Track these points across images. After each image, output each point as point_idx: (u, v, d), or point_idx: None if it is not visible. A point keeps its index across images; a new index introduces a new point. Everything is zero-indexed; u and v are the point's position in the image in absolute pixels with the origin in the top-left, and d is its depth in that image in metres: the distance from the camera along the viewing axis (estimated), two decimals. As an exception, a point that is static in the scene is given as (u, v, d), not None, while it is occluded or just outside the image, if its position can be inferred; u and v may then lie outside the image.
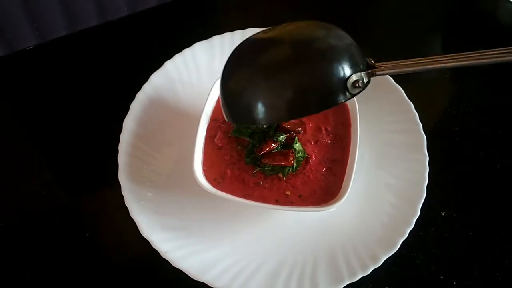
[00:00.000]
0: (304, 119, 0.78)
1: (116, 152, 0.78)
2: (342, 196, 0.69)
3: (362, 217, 0.76)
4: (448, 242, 0.78)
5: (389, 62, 0.58)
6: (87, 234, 0.77)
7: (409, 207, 0.75)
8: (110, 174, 0.77)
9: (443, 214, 0.80)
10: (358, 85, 0.56)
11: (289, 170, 0.73)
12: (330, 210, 0.69)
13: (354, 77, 0.55)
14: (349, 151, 0.75)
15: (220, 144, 0.76)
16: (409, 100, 0.85)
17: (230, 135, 0.76)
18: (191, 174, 0.70)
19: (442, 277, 0.74)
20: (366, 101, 0.78)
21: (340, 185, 0.72)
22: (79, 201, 0.81)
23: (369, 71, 0.57)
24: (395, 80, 0.87)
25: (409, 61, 0.57)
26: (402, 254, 0.73)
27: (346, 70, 0.55)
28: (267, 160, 0.73)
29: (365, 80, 0.57)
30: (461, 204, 0.82)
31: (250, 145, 0.75)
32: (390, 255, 0.70)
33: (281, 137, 0.74)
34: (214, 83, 0.78)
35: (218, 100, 0.79)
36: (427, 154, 0.79)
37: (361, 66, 0.57)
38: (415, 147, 0.80)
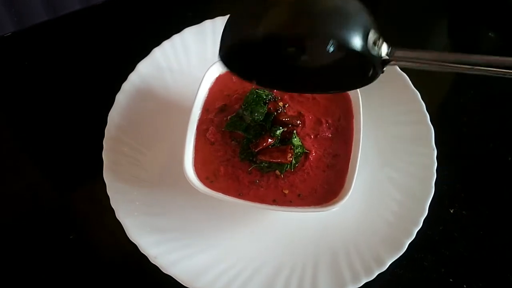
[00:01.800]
0: (303, 111, 0.72)
1: (100, 148, 0.73)
2: (344, 195, 0.65)
3: (366, 216, 0.71)
4: (458, 242, 0.73)
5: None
6: (71, 236, 0.72)
7: (416, 205, 0.70)
8: (94, 171, 0.72)
9: (451, 212, 0.76)
10: (377, 45, 0.47)
11: (287, 167, 0.68)
12: (331, 210, 0.64)
13: (373, 34, 0.46)
14: (351, 145, 0.70)
15: (212, 139, 0.71)
16: (415, 89, 0.79)
17: (223, 129, 0.71)
18: (182, 172, 0.66)
19: (451, 279, 0.70)
20: (369, 90, 0.70)
21: (342, 182, 0.68)
22: (61, 201, 0.76)
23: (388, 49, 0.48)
24: (400, 68, 0.81)
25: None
26: (409, 256, 0.68)
27: (367, 23, 0.46)
28: (264, 156, 0.68)
29: (385, 50, 0.48)
30: (470, 200, 0.77)
31: (245, 140, 0.70)
32: (396, 258, 0.66)
33: (278, 131, 0.69)
34: (206, 71, 0.73)
35: (210, 90, 0.74)
36: (435, 148, 0.74)
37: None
38: (422, 140, 0.75)
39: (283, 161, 0.67)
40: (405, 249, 0.67)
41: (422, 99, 0.78)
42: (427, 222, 0.69)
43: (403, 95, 0.80)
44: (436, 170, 0.72)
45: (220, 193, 0.66)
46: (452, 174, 0.78)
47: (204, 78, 0.73)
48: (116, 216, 0.68)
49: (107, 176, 0.70)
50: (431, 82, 0.87)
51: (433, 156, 0.74)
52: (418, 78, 0.80)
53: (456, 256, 0.72)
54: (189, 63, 0.83)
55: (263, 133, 0.69)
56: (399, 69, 0.81)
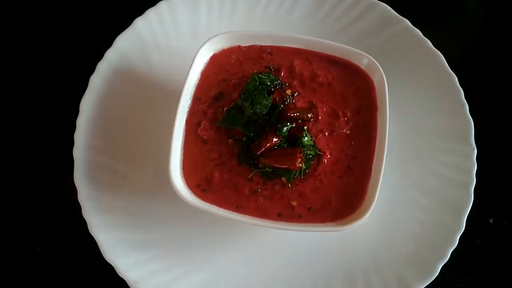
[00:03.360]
0: (317, 102, 0.63)
1: (71, 143, 0.64)
2: (366, 209, 0.59)
3: (390, 231, 0.66)
4: (498, 259, 0.67)
5: None
6: (38, 250, 0.65)
7: (451, 219, 0.64)
8: (64, 172, 0.65)
9: (491, 222, 0.69)
10: None
11: (295, 173, 0.59)
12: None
13: None
14: (375, 144, 0.63)
15: (205, 137, 0.63)
16: (451, 71, 0.69)
17: (218, 124, 0.62)
18: (168, 177, 0.58)
19: (489, 305, 0.65)
20: (396, 73, 0.66)
21: (362, 191, 0.61)
22: (26, 207, 0.69)
23: None
24: (434, 44, 0.70)
25: None
26: (439, 276, 0.62)
27: None
28: (267, 160, 0.60)
29: None
30: (514, 208, 0.69)
31: (244, 138, 0.61)
32: (426, 284, 0.59)
33: (285, 128, 0.60)
34: (198, 50, 0.64)
35: (202, 74, 0.66)
36: (475, 146, 0.65)
37: None
38: (459, 136, 0.68)
39: (291, 167, 0.58)
40: (437, 274, 0.60)
41: (460, 84, 0.68)
42: (462, 235, 0.63)
43: (436, 78, 0.71)
44: (476, 173, 0.64)
45: (214, 206, 0.60)
46: (493, 177, 0.70)
47: (195, 59, 0.64)
48: (89, 229, 0.61)
49: (79, 180, 0.64)
50: (471, 62, 0.77)
51: (472, 157, 0.66)
52: (456, 57, 0.71)
53: (496, 277, 0.66)
54: (178, 36, 0.75)
55: (267, 129, 0.61)
56: (431, 45, 0.71)
